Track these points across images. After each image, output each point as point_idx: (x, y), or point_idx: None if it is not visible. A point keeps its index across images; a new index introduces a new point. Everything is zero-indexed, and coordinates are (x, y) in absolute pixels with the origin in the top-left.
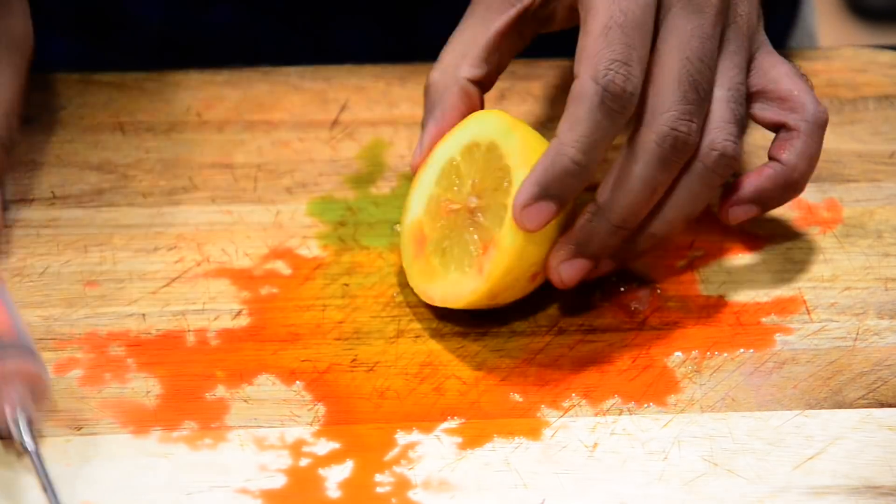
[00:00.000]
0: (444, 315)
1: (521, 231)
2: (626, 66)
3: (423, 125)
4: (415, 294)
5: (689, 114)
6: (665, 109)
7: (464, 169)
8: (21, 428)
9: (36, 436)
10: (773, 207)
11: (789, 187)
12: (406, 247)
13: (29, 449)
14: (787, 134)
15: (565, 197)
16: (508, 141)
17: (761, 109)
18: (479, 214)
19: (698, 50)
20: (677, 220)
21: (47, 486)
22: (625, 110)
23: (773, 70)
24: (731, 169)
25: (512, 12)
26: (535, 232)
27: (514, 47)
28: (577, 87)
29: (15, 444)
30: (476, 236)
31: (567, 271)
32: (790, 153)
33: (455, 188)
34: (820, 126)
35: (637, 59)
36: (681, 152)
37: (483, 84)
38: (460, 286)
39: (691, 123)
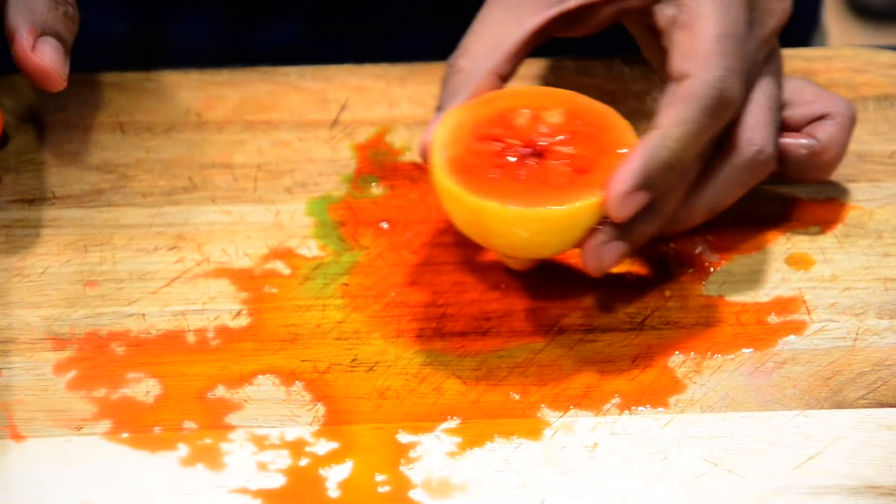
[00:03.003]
0: (444, 315)
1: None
2: (740, 78)
3: (442, 107)
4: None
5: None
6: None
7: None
8: None
9: None
10: (798, 181)
11: (818, 167)
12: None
13: None
14: (822, 121)
15: (660, 189)
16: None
17: (793, 112)
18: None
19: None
20: (701, 210)
21: None
22: (725, 118)
23: (791, 83)
24: (765, 169)
25: (551, 13)
26: (624, 221)
27: (537, 45)
28: (690, 87)
29: None
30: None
31: (608, 254)
32: (824, 133)
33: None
34: (852, 117)
35: (744, 73)
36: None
37: (506, 78)
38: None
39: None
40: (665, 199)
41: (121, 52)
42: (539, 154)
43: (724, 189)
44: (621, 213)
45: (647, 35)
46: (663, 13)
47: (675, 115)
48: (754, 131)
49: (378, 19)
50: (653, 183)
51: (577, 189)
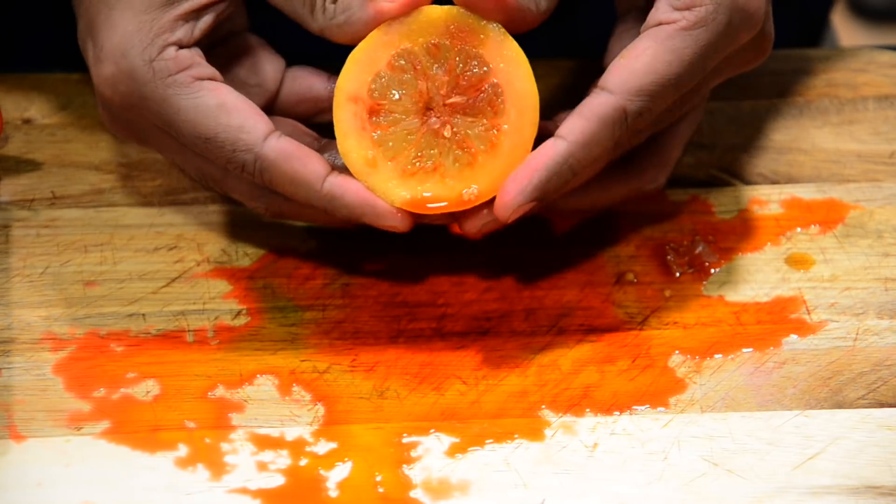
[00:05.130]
0: (445, 315)
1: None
2: (654, 114)
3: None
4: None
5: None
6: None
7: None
8: None
9: None
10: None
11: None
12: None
13: None
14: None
15: (551, 198)
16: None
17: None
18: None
19: None
20: (582, 206)
21: None
22: (626, 137)
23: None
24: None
25: None
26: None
27: None
28: (608, 108)
29: None
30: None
31: (486, 230)
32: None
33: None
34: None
35: (664, 110)
36: None
37: None
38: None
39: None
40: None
41: None
42: (433, 115)
43: (611, 199)
44: (509, 219)
45: None
46: (661, 10)
47: (586, 135)
48: (660, 170)
49: None
50: (548, 196)
51: (465, 182)
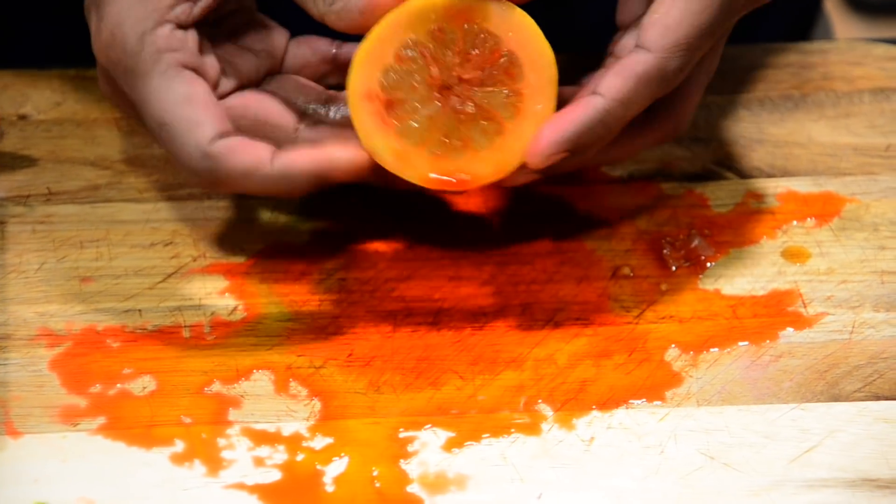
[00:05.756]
0: (441, 310)
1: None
2: (691, 65)
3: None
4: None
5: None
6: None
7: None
8: None
9: None
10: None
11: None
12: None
13: None
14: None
15: (586, 153)
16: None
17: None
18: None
19: None
20: (608, 161)
21: None
22: (662, 95)
23: None
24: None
25: None
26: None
27: None
28: (646, 65)
29: None
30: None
31: (521, 181)
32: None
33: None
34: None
35: (697, 59)
36: None
37: None
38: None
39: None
40: (588, 151)
41: None
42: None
43: (631, 152)
44: (540, 167)
45: None
46: None
47: (623, 92)
48: (686, 115)
49: None
50: (580, 149)
51: (493, 154)
